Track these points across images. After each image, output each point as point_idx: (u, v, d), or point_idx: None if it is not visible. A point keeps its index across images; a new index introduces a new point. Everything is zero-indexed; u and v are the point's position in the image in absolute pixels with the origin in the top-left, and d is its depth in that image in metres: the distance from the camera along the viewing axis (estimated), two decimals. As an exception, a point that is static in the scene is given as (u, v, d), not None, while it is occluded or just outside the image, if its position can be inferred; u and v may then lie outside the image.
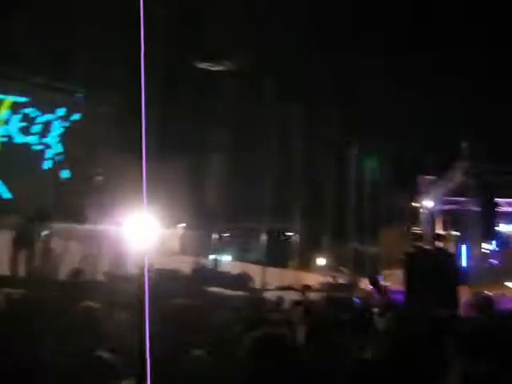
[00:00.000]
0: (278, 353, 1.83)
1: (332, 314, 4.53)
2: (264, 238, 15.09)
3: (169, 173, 16.81)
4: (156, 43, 11.13)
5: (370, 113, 17.41)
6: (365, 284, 14.26)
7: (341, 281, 15.43)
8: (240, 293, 8.44)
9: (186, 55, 15.85)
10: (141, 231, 11.39)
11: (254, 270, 13.81)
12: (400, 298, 8.46)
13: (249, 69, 16.50)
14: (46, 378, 1.77)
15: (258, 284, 12.44)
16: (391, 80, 16.41)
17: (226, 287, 9.34)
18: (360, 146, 18.65)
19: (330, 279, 15.38)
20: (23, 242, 9.58)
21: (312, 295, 9.42)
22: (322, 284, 14.48)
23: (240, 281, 10.99)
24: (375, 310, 5.59)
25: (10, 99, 11.77)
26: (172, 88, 13.12)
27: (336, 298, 7.73)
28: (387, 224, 19.50)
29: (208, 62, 16.52)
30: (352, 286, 14.08)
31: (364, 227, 18.65)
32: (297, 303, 5.77)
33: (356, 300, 7.55)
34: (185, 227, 19.45)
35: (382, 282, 13.76)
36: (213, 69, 16.70)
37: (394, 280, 13.48)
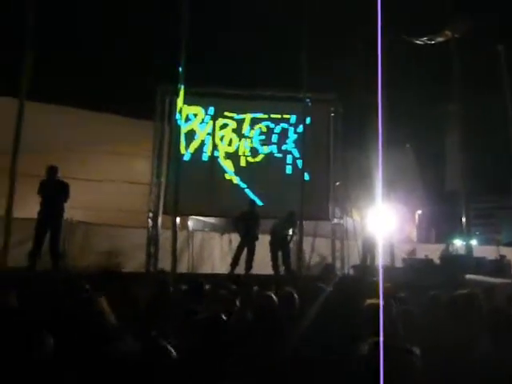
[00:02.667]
0: None
1: None
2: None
3: (402, 160, 16.51)
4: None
5: None
6: None
7: None
8: (506, 280, 7.79)
9: (399, 35, 15.26)
10: (382, 222, 11.43)
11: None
12: None
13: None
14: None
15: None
16: None
17: (484, 274, 8.73)
18: None
19: None
20: (279, 242, 10.56)
21: None
22: None
23: (499, 267, 10.11)
24: None
25: (249, 116, 13.13)
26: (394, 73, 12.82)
27: None
28: None
29: (426, 35, 15.57)
30: None
31: None
32: None
33: None
34: (422, 213, 18.83)
35: None
36: (433, 42, 15.67)
37: None
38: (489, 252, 13.01)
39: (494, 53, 14.19)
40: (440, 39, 15.33)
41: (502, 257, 10.85)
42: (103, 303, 2.78)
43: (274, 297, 4.30)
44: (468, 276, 8.00)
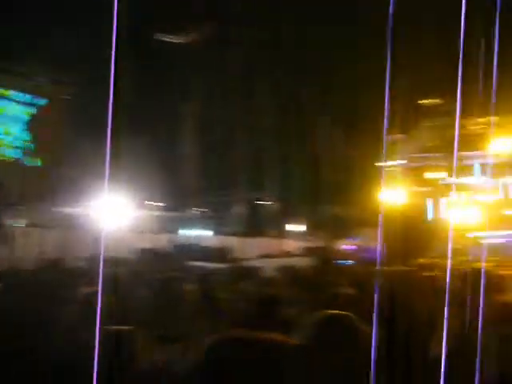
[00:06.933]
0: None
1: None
2: (240, 209, 15.19)
3: (136, 150, 16.61)
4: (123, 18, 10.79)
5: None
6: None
7: (318, 245, 15.60)
8: (222, 265, 8.54)
9: (149, 29, 15.45)
10: (106, 212, 11.34)
11: (233, 242, 13.97)
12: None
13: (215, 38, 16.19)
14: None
15: (238, 255, 12.57)
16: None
17: (206, 261, 9.42)
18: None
19: (308, 244, 15.62)
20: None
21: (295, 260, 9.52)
22: (301, 249, 14.68)
23: (220, 253, 11.12)
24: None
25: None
26: (138, 62, 12.88)
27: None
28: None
29: (171, 34, 16.13)
30: (329, 249, 14.29)
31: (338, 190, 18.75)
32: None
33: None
34: (157, 205, 19.39)
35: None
36: (176, 41, 16.33)
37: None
38: (216, 241, 14.26)
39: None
40: (183, 39, 16.08)
41: (223, 245, 11.99)
42: None
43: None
44: (190, 262, 8.50)
